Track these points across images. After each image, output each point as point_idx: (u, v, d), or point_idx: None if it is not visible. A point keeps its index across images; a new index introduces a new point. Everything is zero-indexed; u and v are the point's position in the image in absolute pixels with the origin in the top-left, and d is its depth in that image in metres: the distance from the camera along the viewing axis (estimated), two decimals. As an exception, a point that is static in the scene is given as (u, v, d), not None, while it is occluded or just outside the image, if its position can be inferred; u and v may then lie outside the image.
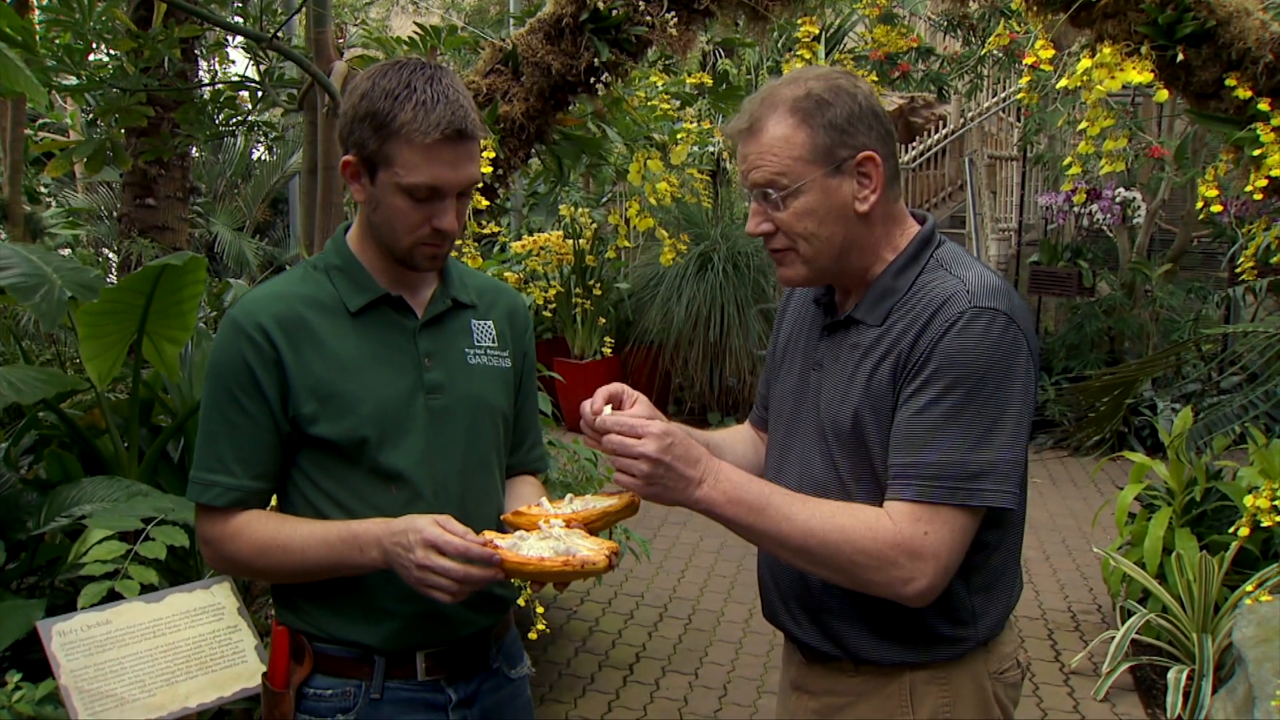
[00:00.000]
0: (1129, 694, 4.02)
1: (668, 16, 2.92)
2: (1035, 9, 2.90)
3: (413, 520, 1.50)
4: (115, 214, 7.54)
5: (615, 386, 1.64)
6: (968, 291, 1.53)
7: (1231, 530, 3.74)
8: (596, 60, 2.95)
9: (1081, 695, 4.04)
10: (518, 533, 1.56)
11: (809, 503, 1.53)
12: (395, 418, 1.63)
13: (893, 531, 1.49)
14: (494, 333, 1.78)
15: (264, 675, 1.67)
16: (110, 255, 8.39)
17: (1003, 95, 10.44)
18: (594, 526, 1.60)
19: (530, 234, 8.04)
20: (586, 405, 1.59)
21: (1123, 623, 4.07)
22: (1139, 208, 7.98)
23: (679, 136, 3.64)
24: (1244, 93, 2.82)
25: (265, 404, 1.60)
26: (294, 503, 1.67)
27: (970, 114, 10.42)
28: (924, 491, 1.48)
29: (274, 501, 1.73)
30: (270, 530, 1.61)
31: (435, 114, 1.52)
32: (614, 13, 2.89)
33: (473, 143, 1.58)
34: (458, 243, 2.98)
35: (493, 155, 2.89)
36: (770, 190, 1.58)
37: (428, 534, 1.46)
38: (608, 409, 1.58)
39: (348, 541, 1.56)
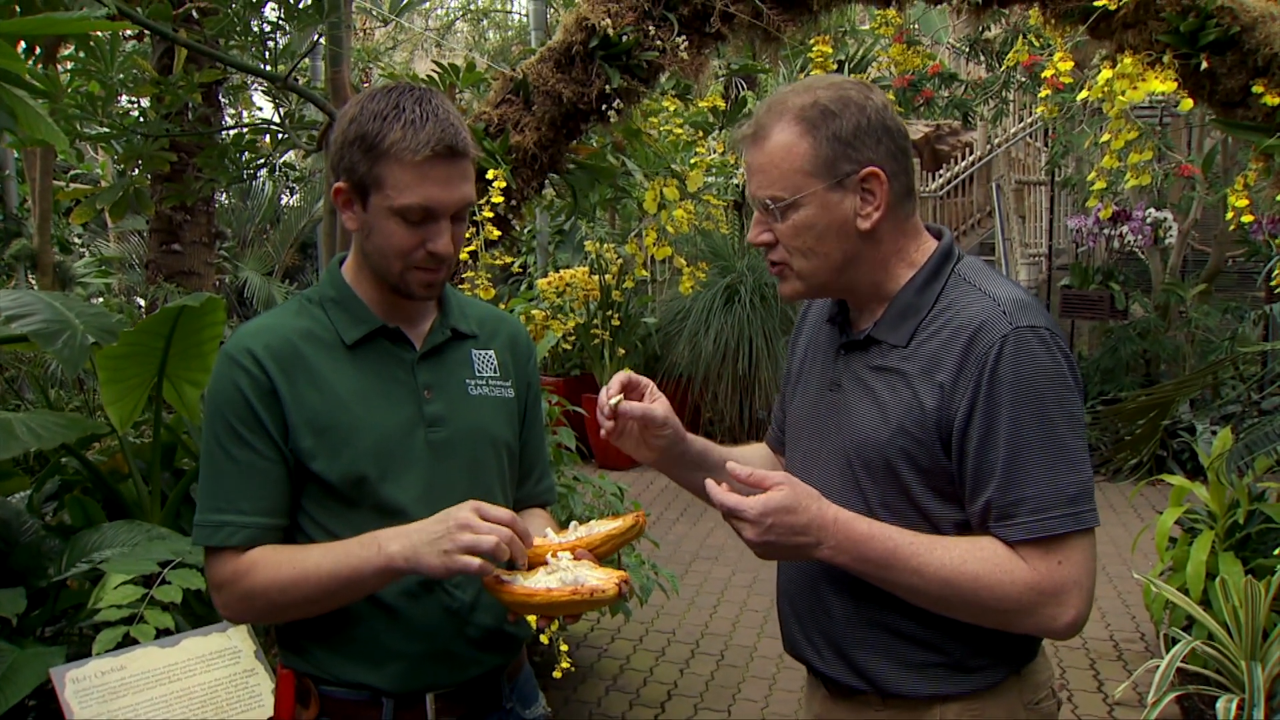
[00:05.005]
0: (1177, 725, 3.90)
1: (678, 40, 2.90)
2: (1053, 22, 2.85)
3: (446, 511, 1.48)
4: (143, 261, 7.61)
5: (625, 375, 1.65)
6: (1004, 312, 1.47)
7: (1277, 553, 3.63)
8: (608, 87, 2.93)
9: (1127, 727, 3.92)
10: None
11: (935, 549, 1.47)
12: (395, 452, 1.59)
13: (1029, 573, 1.45)
14: (496, 363, 1.73)
15: (269, 720, 1.62)
16: (141, 302, 8.47)
17: (1029, 120, 10.39)
18: (600, 551, 1.56)
19: (556, 271, 8.05)
20: (603, 396, 1.63)
21: (1167, 651, 3.93)
22: (1170, 228, 7.88)
23: (693, 162, 3.61)
24: (1272, 99, 2.75)
25: (267, 435, 1.55)
26: (299, 543, 1.62)
27: (997, 140, 10.36)
28: (1042, 525, 1.44)
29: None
30: (284, 556, 1.55)
31: (425, 132, 1.50)
32: (624, 39, 2.87)
33: (465, 161, 1.55)
34: (469, 275, 2.96)
35: (504, 185, 2.87)
36: (769, 202, 1.54)
37: (473, 504, 1.44)
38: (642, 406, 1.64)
39: (365, 544, 1.49)
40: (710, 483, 1.50)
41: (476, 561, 1.41)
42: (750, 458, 1.87)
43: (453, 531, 1.42)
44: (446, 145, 1.51)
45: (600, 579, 1.44)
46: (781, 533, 1.45)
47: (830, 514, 1.46)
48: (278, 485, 1.58)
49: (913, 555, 1.46)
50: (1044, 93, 2.88)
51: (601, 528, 1.59)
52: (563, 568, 1.47)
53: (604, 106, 2.99)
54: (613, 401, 1.64)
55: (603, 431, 1.65)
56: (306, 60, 5.81)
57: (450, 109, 1.55)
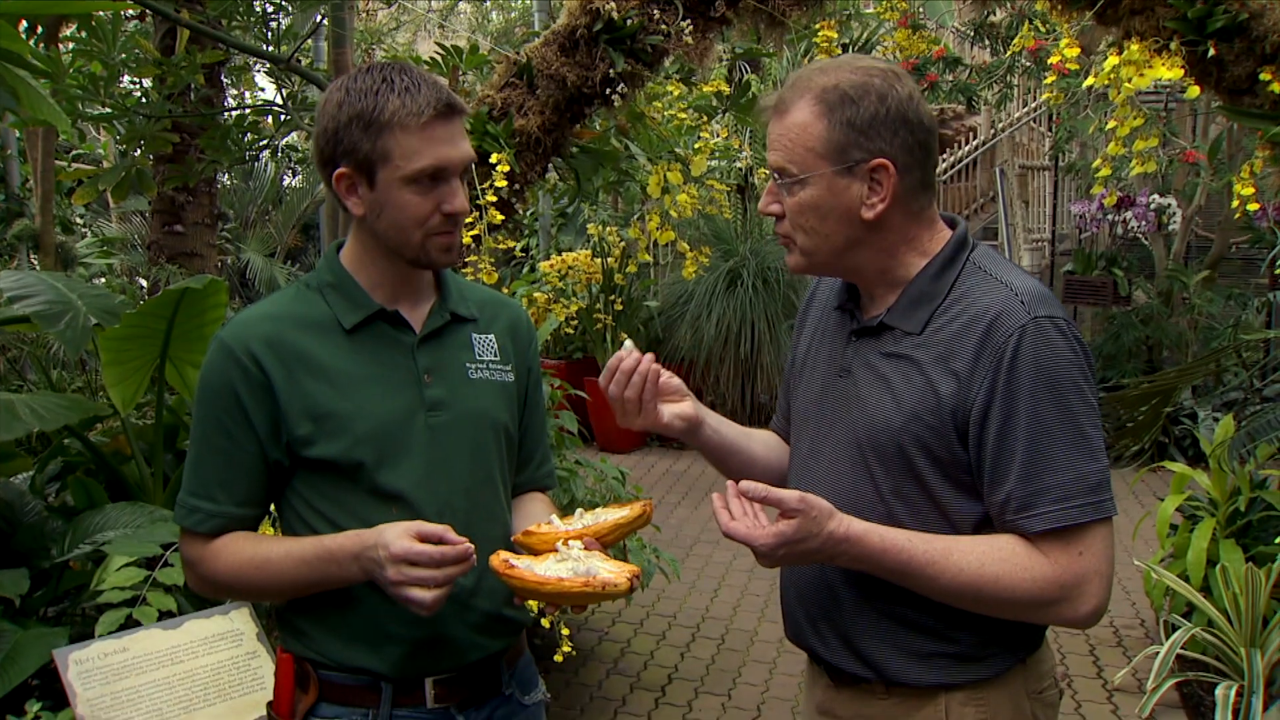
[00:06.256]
0: (1175, 711, 3.91)
1: (683, 24, 2.88)
2: (1060, 8, 2.83)
3: (382, 534, 1.45)
4: (145, 242, 7.60)
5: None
6: (1022, 302, 1.47)
7: (1277, 541, 3.63)
8: (612, 71, 2.91)
9: (1126, 713, 3.93)
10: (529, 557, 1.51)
11: (952, 554, 1.46)
12: (394, 437, 1.59)
13: (1050, 567, 1.45)
14: (496, 347, 1.73)
15: (269, 705, 1.63)
16: (143, 283, 8.47)
17: (1033, 105, 10.34)
18: (607, 540, 1.55)
19: (559, 254, 8.03)
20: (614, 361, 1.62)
21: (1167, 637, 3.95)
22: (1174, 214, 7.85)
23: (697, 147, 3.60)
24: (1279, 87, 2.74)
25: (251, 431, 1.57)
26: (292, 525, 1.63)
27: (1000, 125, 10.32)
28: (1064, 515, 1.44)
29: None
30: (248, 551, 1.58)
31: (422, 95, 1.51)
32: (628, 22, 2.86)
33: (461, 118, 1.57)
34: (472, 258, 2.95)
35: (508, 169, 2.86)
36: (778, 175, 1.55)
37: (395, 549, 1.41)
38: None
39: (324, 559, 1.52)
40: (717, 503, 1.49)
41: (429, 597, 1.42)
42: (765, 440, 1.87)
43: (387, 585, 1.44)
44: (446, 104, 1.53)
45: (612, 572, 1.43)
46: (793, 558, 1.46)
47: (841, 532, 1.44)
48: (254, 477, 1.60)
49: (929, 564, 1.46)
50: (1050, 79, 2.86)
51: (609, 516, 1.58)
52: (574, 557, 1.47)
53: (608, 90, 2.97)
54: (627, 344, 1.64)
55: (629, 391, 1.63)
56: (309, 41, 5.78)
57: (431, 75, 1.57)
